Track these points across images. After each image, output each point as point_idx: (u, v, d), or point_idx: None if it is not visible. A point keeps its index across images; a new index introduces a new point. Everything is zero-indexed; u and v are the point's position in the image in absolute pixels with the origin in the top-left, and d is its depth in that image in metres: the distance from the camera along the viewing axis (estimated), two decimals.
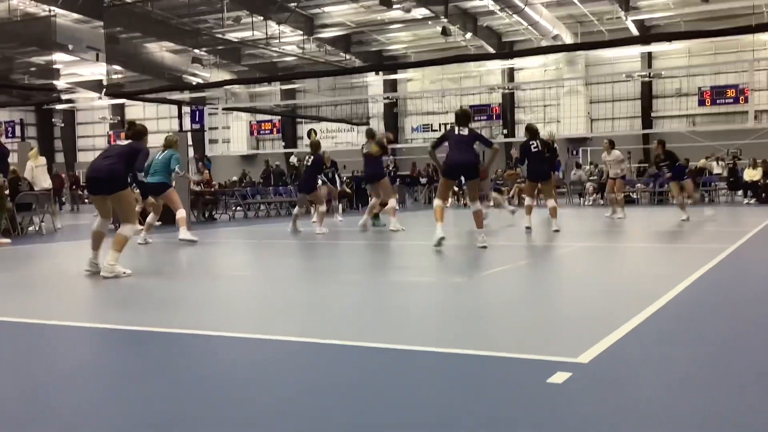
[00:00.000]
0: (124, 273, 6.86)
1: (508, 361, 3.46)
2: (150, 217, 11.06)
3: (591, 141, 31.86)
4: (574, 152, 32.07)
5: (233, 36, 30.25)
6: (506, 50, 32.60)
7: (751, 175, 21.83)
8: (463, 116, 9.20)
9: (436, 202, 9.27)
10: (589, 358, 3.38)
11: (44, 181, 15.69)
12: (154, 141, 12.31)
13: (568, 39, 29.28)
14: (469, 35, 30.04)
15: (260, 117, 39.35)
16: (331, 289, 6.24)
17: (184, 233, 10.46)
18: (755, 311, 4.73)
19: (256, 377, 3.33)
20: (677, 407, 2.75)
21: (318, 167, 12.49)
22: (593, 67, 33.39)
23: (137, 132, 7.40)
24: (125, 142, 7.43)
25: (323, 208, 12.52)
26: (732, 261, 7.30)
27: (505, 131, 34.45)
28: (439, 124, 35.92)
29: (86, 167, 8.88)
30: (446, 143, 9.12)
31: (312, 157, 12.36)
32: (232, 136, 38.56)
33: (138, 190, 11.43)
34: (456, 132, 9.06)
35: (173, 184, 10.93)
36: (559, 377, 3.07)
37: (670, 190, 15.26)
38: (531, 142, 11.26)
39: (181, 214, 10.70)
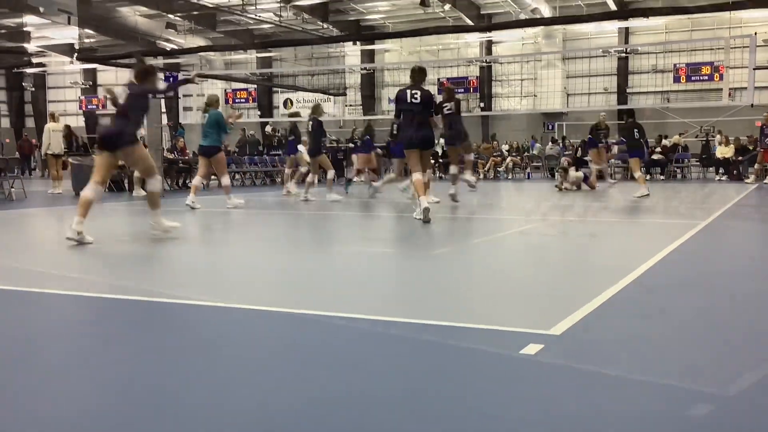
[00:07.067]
0: (172, 227, 7.03)
1: (480, 332, 3.46)
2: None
3: (567, 116, 31.96)
4: (550, 127, 32.15)
5: (208, 1, 29.72)
6: (485, 23, 32.45)
7: (723, 152, 22.06)
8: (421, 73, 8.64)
9: (417, 176, 8.52)
10: (562, 330, 3.40)
11: (56, 147, 16.62)
12: None
13: (546, 12, 29.21)
14: (447, 7, 29.84)
15: (236, 85, 38.92)
16: (301, 258, 6.22)
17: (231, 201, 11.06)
18: (727, 284, 4.78)
19: (231, 348, 3.31)
20: (649, 379, 2.78)
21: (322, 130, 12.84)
22: (570, 41, 33.41)
23: (143, 71, 6.97)
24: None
25: (332, 172, 12.99)
26: (704, 235, 7.38)
27: (482, 104, 34.44)
28: None
29: None
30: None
31: (312, 121, 12.60)
32: None
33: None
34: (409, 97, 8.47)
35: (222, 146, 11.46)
36: (531, 349, 3.08)
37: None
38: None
39: (226, 181, 11.26)
